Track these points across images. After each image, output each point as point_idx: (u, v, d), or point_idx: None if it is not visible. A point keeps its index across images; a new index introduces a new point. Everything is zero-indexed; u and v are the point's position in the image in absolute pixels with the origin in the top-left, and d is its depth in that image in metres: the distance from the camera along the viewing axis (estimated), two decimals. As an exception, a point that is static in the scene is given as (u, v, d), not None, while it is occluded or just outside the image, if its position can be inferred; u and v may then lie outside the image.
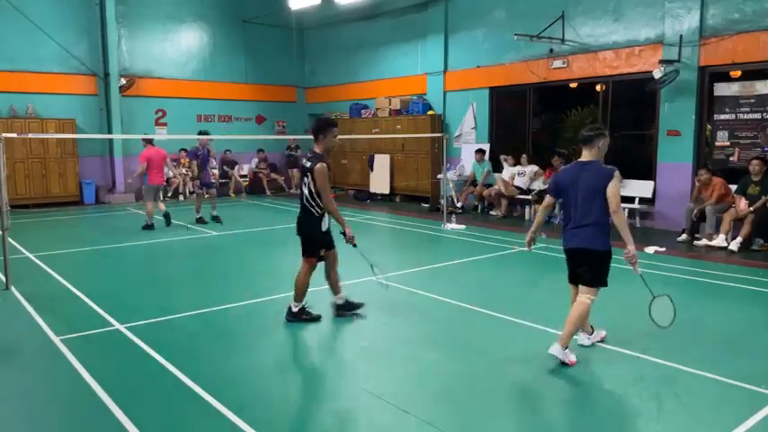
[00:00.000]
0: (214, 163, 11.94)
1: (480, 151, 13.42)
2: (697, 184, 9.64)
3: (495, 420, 3.66)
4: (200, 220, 11.52)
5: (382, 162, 15.68)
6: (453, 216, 11.60)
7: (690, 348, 4.75)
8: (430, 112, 14.86)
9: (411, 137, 14.11)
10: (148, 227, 10.83)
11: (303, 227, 5.40)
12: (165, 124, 16.67)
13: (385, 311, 5.65)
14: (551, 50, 12.21)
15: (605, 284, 4.53)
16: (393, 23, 16.00)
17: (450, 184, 13.01)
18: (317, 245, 5.37)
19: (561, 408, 3.88)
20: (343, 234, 5.34)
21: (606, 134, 4.58)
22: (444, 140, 11.78)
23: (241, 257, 8.89)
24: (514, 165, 12.85)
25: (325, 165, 5.17)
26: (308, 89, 19.36)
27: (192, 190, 16.27)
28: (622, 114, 12.03)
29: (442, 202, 12.02)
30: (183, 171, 16.29)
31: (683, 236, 9.49)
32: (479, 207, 13.31)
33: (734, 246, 8.62)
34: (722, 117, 10.12)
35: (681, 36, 10.20)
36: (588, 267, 4.53)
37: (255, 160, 18.03)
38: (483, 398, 3.96)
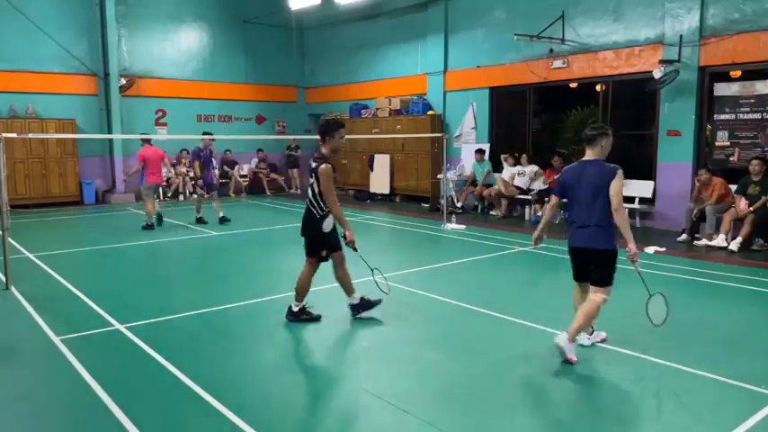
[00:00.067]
0: (215, 163, 11.89)
1: (480, 151, 13.42)
2: (697, 184, 9.64)
3: (495, 420, 3.66)
4: (199, 220, 11.52)
5: (382, 162, 15.68)
6: (453, 216, 11.60)
7: (690, 348, 4.75)
8: (430, 112, 14.87)
9: (411, 137, 14.11)
10: (149, 227, 10.83)
11: (305, 227, 5.41)
12: (165, 124, 16.67)
13: (385, 311, 5.65)
14: (551, 50, 12.21)
15: (612, 283, 4.54)
16: (393, 23, 16.00)
17: (450, 184, 13.01)
18: (317, 245, 5.37)
19: (561, 408, 3.88)
20: (344, 237, 5.33)
21: (609, 133, 4.60)
22: (444, 140, 11.78)
23: (241, 257, 8.88)
24: (514, 165, 12.85)
25: (330, 166, 5.16)
26: (308, 89, 19.36)
27: (191, 190, 16.33)
28: (622, 114, 12.04)
29: (442, 202, 12.02)
30: (184, 171, 16.31)
31: (683, 236, 9.49)
32: (479, 207, 13.31)
33: (734, 246, 8.62)
34: (722, 117, 10.12)
35: (681, 36, 10.20)
36: (595, 267, 4.57)
37: (255, 160, 18.04)
38: (483, 398, 3.96)
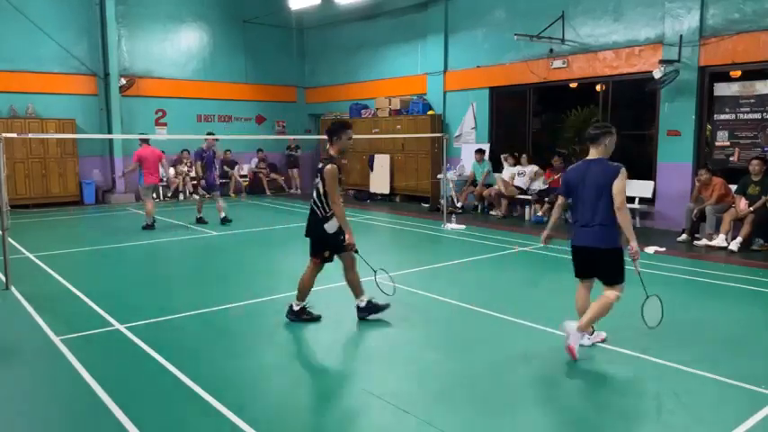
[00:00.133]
0: (217, 164, 11.85)
1: (480, 151, 13.42)
2: (697, 184, 9.64)
3: (495, 420, 3.66)
4: (200, 220, 11.52)
5: (382, 162, 15.68)
6: (453, 216, 11.60)
7: (690, 348, 4.75)
8: (430, 112, 14.87)
9: (411, 137, 14.11)
10: (149, 227, 10.83)
11: (309, 227, 5.40)
12: (165, 124, 16.67)
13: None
14: (551, 50, 12.21)
15: (624, 280, 4.56)
16: (393, 23, 16.00)
17: (450, 184, 13.01)
18: (321, 245, 5.35)
19: (561, 408, 3.88)
20: (343, 238, 5.31)
21: (613, 132, 4.63)
22: (444, 140, 11.78)
23: (241, 257, 8.88)
24: (514, 165, 12.85)
25: (335, 167, 5.15)
26: (308, 89, 19.36)
27: (191, 190, 16.34)
28: (622, 114, 12.03)
29: (442, 202, 12.02)
30: (185, 170, 16.33)
31: (683, 236, 9.49)
32: (479, 207, 13.31)
33: (734, 246, 8.62)
34: (722, 117, 10.12)
35: (681, 36, 10.20)
36: (601, 266, 4.60)
37: (255, 160, 18.04)
38: (483, 398, 3.96)
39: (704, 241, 9.15)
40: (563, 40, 11.93)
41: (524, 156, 12.71)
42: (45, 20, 14.57)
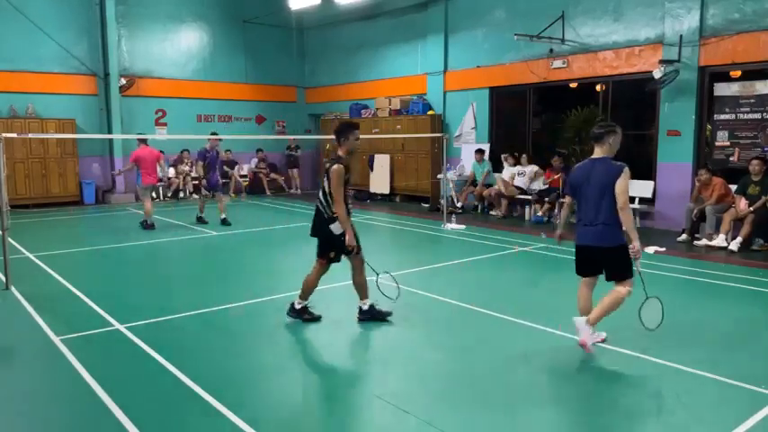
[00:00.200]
0: (218, 166, 11.76)
1: (480, 151, 13.42)
2: (697, 184, 9.64)
3: (495, 420, 3.66)
4: (200, 220, 11.51)
5: (382, 162, 15.68)
6: (453, 216, 11.60)
7: (690, 348, 4.75)
8: (430, 112, 14.87)
9: (411, 137, 14.11)
10: (149, 226, 10.83)
11: (314, 227, 5.39)
12: (165, 124, 16.66)
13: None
14: (551, 50, 12.21)
15: (632, 274, 4.57)
16: (393, 23, 16.00)
17: (450, 184, 13.01)
18: (327, 246, 5.32)
19: (561, 407, 3.88)
20: (342, 237, 5.30)
21: (617, 131, 4.66)
22: (444, 140, 11.78)
23: (241, 257, 8.88)
24: (514, 165, 12.85)
25: (342, 167, 5.14)
26: (308, 89, 19.36)
27: (191, 190, 16.36)
28: (622, 114, 12.02)
29: (442, 202, 12.02)
30: (186, 169, 16.36)
31: (683, 236, 9.49)
32: (479, 207, 13.31)
33: (734, 246, 8.62)
34: (722, 117, 10.12)
35: (681, 36, 10.20)
36: (607, 264, 4.62)
37: (255, 160, 18.04)
38: (483, 398, 3.96)
39: (704, 241, 9.15)
40: (563, 40, 11.93)
41: (524, 156, 12.72)
42: (45, 20, 14.56)
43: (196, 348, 4.93)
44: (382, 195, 15.78)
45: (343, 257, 5.39)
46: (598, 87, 12.12)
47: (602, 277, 4.78)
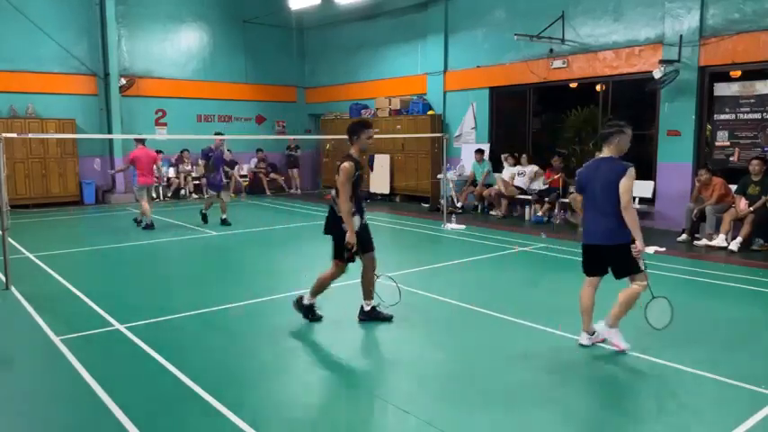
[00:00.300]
0: (222, 166, 11.64)
1: (480, 151, 13.42)
2: (697, 184, 9.64)
3: (495, 420, 3.66)
4: (203, 218, 11.45)
5: (382, 162, 15.68)
6: (453, 216, 11.60)
7: (690, 348, 4.75)
8: (430, 112, 14.87)
9: (411, 137, 14.11)
10: (148, 226, 10.83)
11: (327, 225, 5.37)
12: (165, 124, 16.67)
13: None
14: (551, 50, 12.21)
15: (641, 269, 4.57)
16: (393, 23, 16.00)
17: (451, 184, 13.01)
18: (340, 245, 5.29)
19: (561, 407, 3.87)
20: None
21: (626, 131, 4.70)
22: (444, 140, 11.78)
23: (241, 257, 8.88)
24: (514, 165, 12.85)
25: (352, 164, 5.14)
26: (308, 89, 19.36)
27: (191, 190, 16.40)
28: (622, 114, 12.02)
29: (442, 202, 12.02)
30: (188, 169, 16.38)
31: (683, 236, 9.49)
32: (479, 207, 13.31)
33: (734, 246, 8.62)
34: (722, 117, 10.12)
35: (681, 36, 10.20)
36: (613, 262, 4.64)
37: (255, 160, 18.04)
38: (483, 398, 3.96)
39: (704, 241, 9.15)
40: (563, 40, 11.93)
41: (524, 156, 12.71)
42: (45, 20, 14.56)
43: (196, 348, 4.93)
44: (382, 195, 15.78)
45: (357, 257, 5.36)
46: (598, 87, 12.12)
47: (605, 278, 4.78)
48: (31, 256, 8.50)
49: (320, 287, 5.44)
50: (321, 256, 8.57)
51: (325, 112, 18.20)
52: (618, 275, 4.67)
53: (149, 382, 4.23)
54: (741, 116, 9.90)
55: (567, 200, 11.39)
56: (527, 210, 12.32)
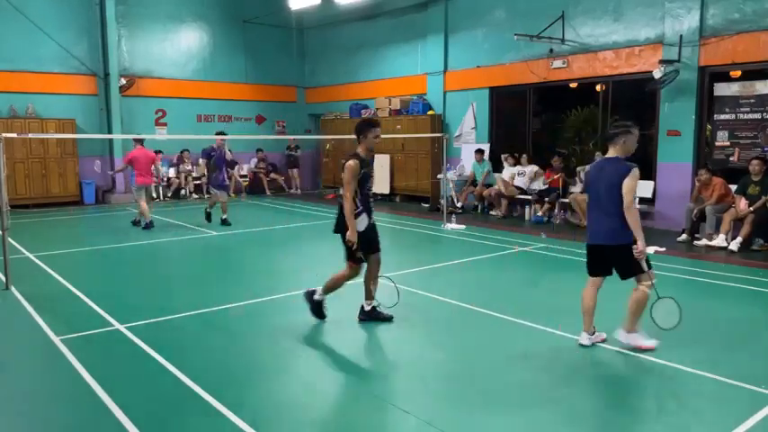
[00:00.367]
0: (224, 165, 11.57)
1: (480, 151, 13.42)
2: (697, 184, 9.64)
3: (495, 420, 3.66)
4: (207, 216, 11.42)
5: (382, 162, 15.66)
6: (453, 216, 11.60)
7: (690, 348, 4.75)
8: (430, 112, 14.87)
9: (411, 137, 14.11)
10: (148, 226, 10.83)
11: (338, 223, 5.35)
12: (165, 124, 16.66)
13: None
14: (551, 50, 12.21)
15: (644, 269, 4.58)
16: (393, 23, 16.00)
17: (451, 184, 13.01)
18: (349, 246, 5.27)
19: (561, 407, 3.87)
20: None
21: (632, 131, 4.69)
22: (444, 140, 11.77)
23: (241, 257, 8.88)
24: (514, 165, 12.85)
25: (356, 162, 5.14)
26: (308, 89, 19.36)
27: (191, 190, 16.41)
28: (622, 114, 12.01)
29: (442, 202, 12.02)
30: (188, 169, 16.38)
31: (683, 236, 9.49)
32: (479, 207, 13.31)
33: (734, 246, 8.61)
34: (722, 117, 10.12)
35: (681, 36, 10.20)
36: (616, 263, 4.65)
37: (255, 160, 18.04)
38: (483, 398, 3.96)
39: (704, 241, 9.15)
40: (563, 40, 11.93)
41: (524, 156, 12.71)
42: (45, 20, 14.56)
43: (196, 348, 4.93)
44: (382, 195, 15.77)
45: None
46: (598, 87, 12.12)
47: (608, 279, 4.79)
48: (31, 256, 8.50)
49: (333, 286, 5.43)
50: (321, 256, 8.61)
51: (325, 112, 18.20)
52: (623, 276, 4.68)
53: (149, 382, 4.23)
54: (741, 116, 9.90)
55: (567, 200, 11.40)
56: (527, 210, 12.32)
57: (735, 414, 3.65)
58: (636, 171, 4.52)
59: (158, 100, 16.52)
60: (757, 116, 9.72)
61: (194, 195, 16.41)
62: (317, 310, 5.47)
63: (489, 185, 13.09)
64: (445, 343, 5.10)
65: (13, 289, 6.62)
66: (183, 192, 16.33)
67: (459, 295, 6.33)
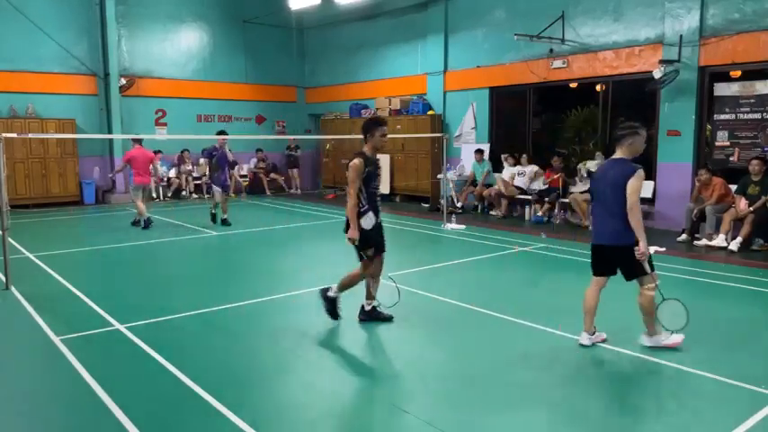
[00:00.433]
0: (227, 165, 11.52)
1: (480, 151, 13.42)
2: (697, 184, 9.64)
3: (495, 420, 3.66)
4: (213, 217, 11.39)
5: (382, 162, 15.50)
6: (453, 216, 11.60)
7: (690, 348, 4.75)
8: (430, 112, 14.87)
9: (411, 137, 14.11)
10: (146, 224, 10.83)
11: (347, 222, 5.34)
12: (165, 124, 16.66)
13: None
14: (551, 50, 12.21)
15: (647, 271, 4.58)
16: (393, 23, 16.00)
17: (451, 184, 13.01)
18: (362, 242, 5.24)
19: (561, 407, 3.87)
20: (345, 231, 5.28)
21: (639, 133, 4.68)
22: (444, 140, 11.77)
23: (241, 257, 8.88)
24: (514, 165, 12.85)
25: (362, 161, 5.13)
26: (308, 89, 19.36)
27: (192, 190, 16.41)
28: (622, 114, 12.01)
29: (442, 202, 12.02)
30: (189, 169, 16.38)
31: (683, 236, 9.49)
32: (479, 207, 13.31)
33: (734, 246, 8.61)
34: (722, 117, 10.12)
35: (681, 36, 10.20)
36: (620, 263, 4.66)
37: (254, 160, 18.04)
38: (483, 397, 3.96)
39: (704, 241, 9.15)
40: (563, 40, 11.93)
41: (524, 156, 12.71)
42: (45, 20, 14.56)
43: (196, 348, 4.93)
44: (382, 195, 15.72)
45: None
46: (598, 87, 12.12)
47: (612, 279, 4.79)
48: (31, 256, 8.50)
49: (347, 284, 5.42)
50: (321, 256, 8.62)
51: (325, 112, 18.20)
52: (627, 277, 4.70)
53: (149, 382, 4.23)
54: (741, 116, 9.90)
55: (566, 200, 11.40)
56: (527, 210, 12.32)
57: (735, 414, 3.65)
58: (641, 172, 4.54)
59: (158, 100, 16.51)
60: (757, 116, 9.72)
61: (194, 195, 16.41)
62: (332, 308, 5.44)
63: (489, 185, 13.09)
64: (445, 343, 5.10)
65: (13, 289, 6.62)
66: (183, 192, 16.34)
67: (459, 295, 6.33)
